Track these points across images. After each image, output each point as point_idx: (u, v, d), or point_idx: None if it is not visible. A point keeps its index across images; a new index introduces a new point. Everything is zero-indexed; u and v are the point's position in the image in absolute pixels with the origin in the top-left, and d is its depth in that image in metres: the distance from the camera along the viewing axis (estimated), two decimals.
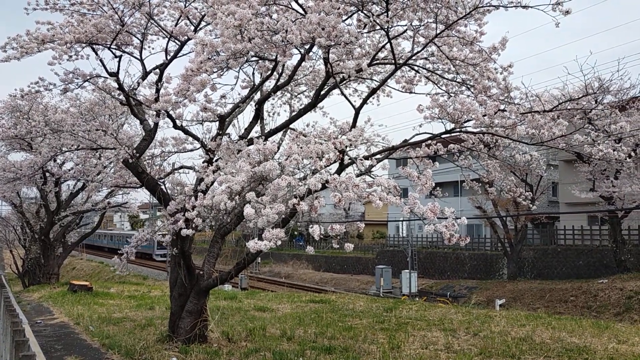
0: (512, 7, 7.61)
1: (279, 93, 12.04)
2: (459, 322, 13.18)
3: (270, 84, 11.01)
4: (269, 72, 9.67)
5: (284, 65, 10.23)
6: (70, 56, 9.32)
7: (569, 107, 9.27)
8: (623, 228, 28.65)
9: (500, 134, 8.82)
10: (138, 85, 10.40)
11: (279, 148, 9.77)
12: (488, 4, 7.89)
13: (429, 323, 13.00)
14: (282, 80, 10.53)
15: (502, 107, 8.30)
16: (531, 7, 7.37)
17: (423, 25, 8.57)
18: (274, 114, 12.69)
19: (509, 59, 8.99)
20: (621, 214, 26.54)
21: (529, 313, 15.32)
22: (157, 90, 9.44)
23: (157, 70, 10.25)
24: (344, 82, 10.49)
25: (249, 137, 10.12)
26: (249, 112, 14.49)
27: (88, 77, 10.03)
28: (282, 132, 11.30)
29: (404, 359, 9.14)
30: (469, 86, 9.33)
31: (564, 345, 10.30)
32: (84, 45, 9.41)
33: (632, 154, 10.93)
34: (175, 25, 10.15)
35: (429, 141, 10.17)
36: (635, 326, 13.45)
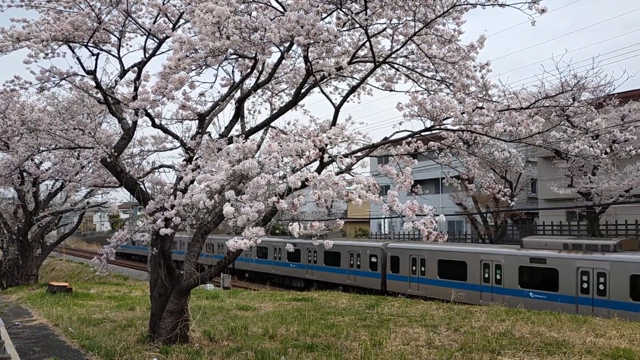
0: (489, 5, 7.68)
1: (259, 91, 12.00)
2: (440, 318, 13.29)
3: (250, 82, 10.96)
4: (249, 70, 9.63)
5: (264, 63, 10.19)
6: (47, 54, 9.17)
7: (546, 105, 9.39)
8: (601, 223, 29.07)
9: (479, 131, 8.90)
10: (116, 84, 10.28)
11: (259, 146, 9.74)
12: (465, 2, 7.95)
13: (410, 319, 13.09)
14: (262, 78, 10.49)
15: (480, 104, 8.38)
16: (508, 5, 7.44)
17: (402, 24, 8.60)
18: (254, 112, 12.65)
19: (486, 59, 9.08)
20: (599, 210, 26.92)
21: (509, 308, 15.50)
22: (136, 89, 9.35)
23: (136, 68, 10.14)
24: (324, 80, 10.49)
25: (229, 136, 10.07)
26: (229, 110, 14.42)
27: (65, 76, 9.88)
28: (262, 130, 11.26)
29: (385, 356, 9.18)
30: (448, 84, 9.40)
31: (543, 340, 10.45)
32: (60, 43, 9.27)
33: (608, 150, 11.12)
34: (154, 23, 10.05)
35: (409, 139, 10.23)
36: (613, 320, 13.68)
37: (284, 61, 9.75)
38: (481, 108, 8.36)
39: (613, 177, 25.17)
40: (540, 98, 8.92)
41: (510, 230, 37.82)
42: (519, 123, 8.22)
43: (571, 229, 34.41)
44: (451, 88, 9.25)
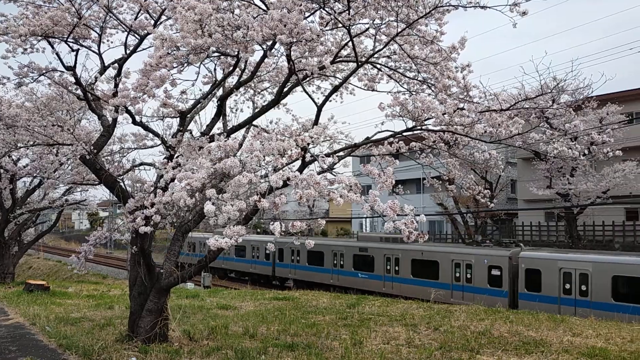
0: (470, 7, 7.73)
1: (241, 89, 11.94)
2: (420, 317, 13.38)
3: (232, 80, 10.91)
4: (231, 68, 9.59)
5: (246, 62, 10.15)
6: (25, 49, 9.04)
7: (526, 106, 9.50)
8: (578, 224, 29.53)
9: (460, 132, 8.97)
10: (96, 80, 10.16)
11: (241, 145, 9.70)
12: (447, 4, 8.00)
13: (390, 318, 13.15)
14: (244, 77, 10.44)
15: (461, 105, 8.45)
16: (489, 7, 7.51)
17: (384, 24, 8.63)
18: (236, 110, 12.57)
19: (467, 60, 9.17)
20: (577, 211, 27.33)
21: (488, 307, 15.66)
22: (116, 85, 9.25)
23: (116, 64, 10.03)
24: (307, 79, 10.48)
25: (210, 134, 10.01)
26: (211, 108, 14.33)
27: (44, 71, 9.74)
28: (244, 129, 11.22)
29: (365, 355, 9.21)
30: (429, 85, 9.45)
31: (521, 339, 10.57)
32: (39, 38, 9.14)
33: (586, 152, 11.29)
34: (135, 19, 9.95)
35: (391, 139, 10.27)
36: (589, 319, 13.90)
37: (266, 60, 9.72)
38: (462, 109, 8.43)
39: (591, 178, 25.59)
40: (520, 100, 9.02)
41: (491, 230, 38.20)
42: (499, 124, 8.31)
43: (549, 230, 34.88)
44: (433, 89, 9.30)
